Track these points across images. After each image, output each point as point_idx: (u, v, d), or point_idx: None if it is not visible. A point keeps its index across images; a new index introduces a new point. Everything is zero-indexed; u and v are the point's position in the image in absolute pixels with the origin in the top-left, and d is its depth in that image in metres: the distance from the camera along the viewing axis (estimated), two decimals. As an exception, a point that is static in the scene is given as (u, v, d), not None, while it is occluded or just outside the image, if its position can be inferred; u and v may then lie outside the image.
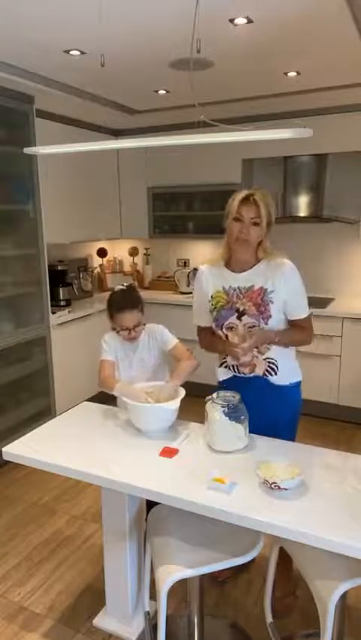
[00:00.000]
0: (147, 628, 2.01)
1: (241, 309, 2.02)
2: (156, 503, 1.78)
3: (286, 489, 1.56)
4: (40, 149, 2.43)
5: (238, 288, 2.03)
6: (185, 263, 4.94)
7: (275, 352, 2.04)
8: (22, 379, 3.58)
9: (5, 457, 1.90)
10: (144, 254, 5.12)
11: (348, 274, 4.29)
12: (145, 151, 4.47)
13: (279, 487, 1.55)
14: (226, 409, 1.85)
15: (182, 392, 2.06)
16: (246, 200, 1.96)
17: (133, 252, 5.10)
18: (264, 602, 1.96)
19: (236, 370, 2.11)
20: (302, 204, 4.13)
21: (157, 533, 1.79)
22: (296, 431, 2.19)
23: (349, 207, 4.13)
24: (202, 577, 1.72)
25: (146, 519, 1.92)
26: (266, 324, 1.99)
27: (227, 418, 1.84)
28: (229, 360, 2.11)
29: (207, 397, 1.93)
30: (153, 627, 1.91)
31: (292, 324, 2.06)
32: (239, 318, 2.02)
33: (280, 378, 2.07)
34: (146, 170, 4.62)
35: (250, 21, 2.22)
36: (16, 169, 3.38)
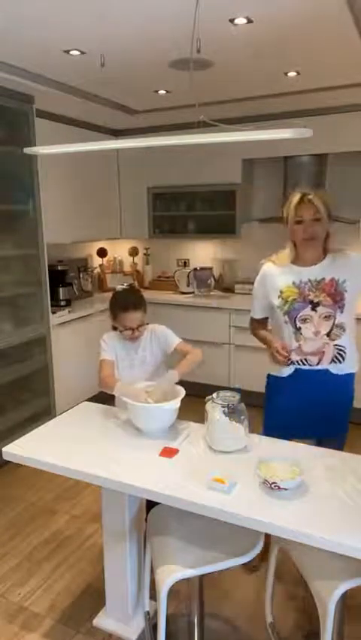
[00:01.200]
0: (147, 628, 2.01)
1: (316, 300, 2.10)
2: (156, 503, 1.78)
3: (286, 489, 1.56)
4: (40, 149, 2.43)
5: (310, 281, 2.12)
6: (185, 263, 4.94)
7: (345, 340, 2.13)
8: (22, 379, 3.58)
9: (5, 457, 1.90)
10: (144, 254, 5.12)
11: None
12: (145, 151, 4.47)
13: (279, 487, 1.55)
14: (226, 409, 1.85)
15: (182, 392, 2.06)
16: (301, 201, 2.05)
17: (133, 252, 5.10)
18: (264, 602, 1.96)
19: (302, 362, 2.16)
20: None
21: (157, 533, 1.79)
22: (349, 420, 2.29)
23: (349, 207, 4.12)
24: (202, 577, 1.72)
25: (146, 519, 1.92)
26: (341, 312, 2.10)
27: (227, 418, 1.84)
28: (293, 356, 2.16)
29: (207, 397, 1.93)
30: (153, 627, 1.92)
31: None
32: (313, 309, 2.10)
33: (344, 367, 2.16)
34: (146, 170, 4.62)
35: (250, 21, 2.22)
36: (16, 169, 3.38)
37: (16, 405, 3.54)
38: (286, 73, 3.01)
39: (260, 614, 2.06)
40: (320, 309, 2.10)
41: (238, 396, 1.90)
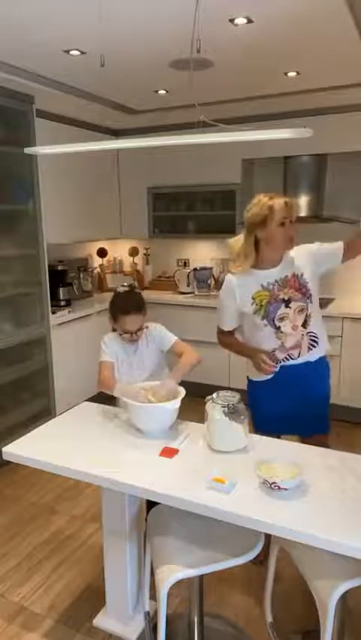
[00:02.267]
0: (147, 628, 2.01)
1: (286, 298, 2.17)
2: (156, 503, 1.78)
3: (286, 489, 1.56)
4: (40, 149, 2.43)
5: (276, 281, 2.18)
6: (185, 263, 4.94)
7: (314, 326, 2.23)
8: (22, 379, 3.58)
9: (5, 457, 1.90)
10: (144, 254, 5.12)
11: (348, 274, 4.29)
12: (145, 151, 4.47)
13: (279, 487, 1.55)
14: (226, 409, 1.85)
15: (182, 392, 2.06)
16: (286, 204, 2.11)
17: (133, 252, 5.10)
18: (264, 602, 1.96)
19: (286, 359, 2.21)
20: (302, 204, 4.12)
21: (157, 533, 1.79)
22: (330, 410, 2.37)
23: (349, 207, 4.13)
24: (202, 577, 1.72)
25: (146, 519, 1.92)
26: (311, 302, 2.19)
27: (227, 418, 1.84)
28: (277, 355, 2.21)
29: (207, 397, 1.93)
30: (153, 627, 1.91)
31: (348, 247, 2.24)
32: (287, 306, 2.17)
33: (319, 350, 2.26)
34: (146, 170, 4.62)
35: (250, 21, 2.22)
36: (16, 169, 3.38)
37: (16, 405, 3.54)
38: (286, 73, 3.01)
39: (260, 614, 2.06)
40: (293, 304, 2.17)
41: (237, 396, 1.90)
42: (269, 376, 2.22)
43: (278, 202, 2.10)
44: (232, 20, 2.21)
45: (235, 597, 2.25)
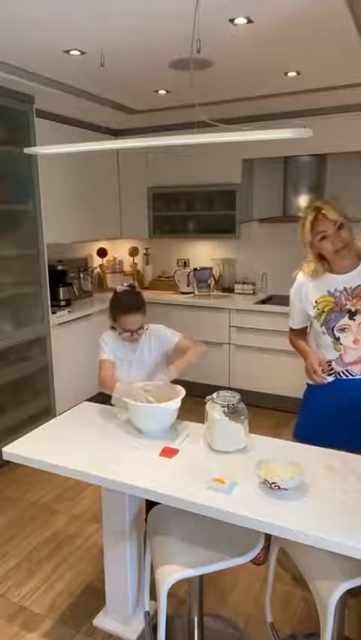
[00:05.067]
0: (147, 628, 2.01)
1: (353, 309, 2.05)
2: (156, 503, 1.78)
3: (286, 489, 1.56)
4: (41, 149, 2.43)
5: (345, 289, 2.07)
6: (185, 263, 4.94)
7: None
8: (22, 379, 3.58)
9: (5, 457, 1.90)
10: (144, 254, 5.12)
11: None
12: (145, 151, 4.47)
13: (279, 487, 1.55)
14: (226, 409, 1.85)
15: (182, 392, 2.05)
16: (316, 218, 2.01)
17: (133, 252, 5.10)
18: (264, 602, 1.96)
19: (344, 374, 2.12)
20: (302, 204, 4.12)
21: (157, 533, 1.79)
22: None
23: (349, 207, 4.11)
24: (202, 577, 1.72)
25: (146, 519, 1.92)
26: None
27: (227, 418, 1.84)
28: (335, 366, 2.13)
29: (207, 397, 1.93)
30: (153, 627, 1.91)
31: None
32: (351, 318, 2.06)
33: None
34: (146, 170, 4.61)
35: (250, 21, 2.22)
36: (16, 169, 3.38)
37: (16, 405, 3.54)
38: (286, 73, 3.01)
39: (260, 614, 2.06)
40: (358, 317, 2.05)
41: (238, 397, 1.90)
42: (327, 381, 2.14)
43: (308, 221, 2.02)
44: (231, 20, 2.21)
45: (235, 597, 2.25)
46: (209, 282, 4.65)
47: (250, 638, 2.03)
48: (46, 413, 3.67)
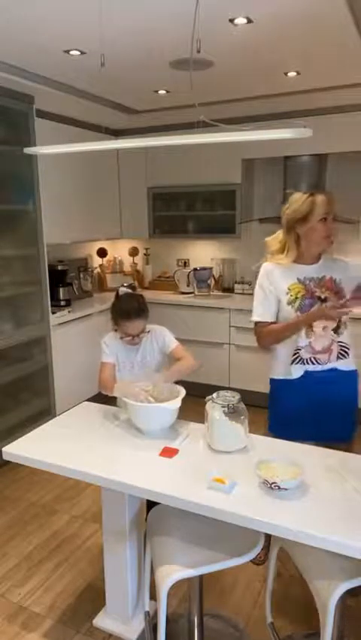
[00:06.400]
0: (147, 628, 2.01)
1: (323, 297, 2.15)
2: (156, 503, 1.78)
3: (286, 489, 1.56)
4: (40, 149, 2.43)
5: (313, 278, 2.18)
6: (185, 263, 4.94)
7: (346, 336, 2.20)
8: (22, 379, 3.58)
9: (5, 457, 1.90)
10: (144, 254, 5.12)
11: (348, 274, 4.29)
12: (145, 151, 4.47)
13: (279, 487, 1.55)
14: (226, 409, 1.85)
15: (182, 392, 2.05)
16: (328, 200, 2.11)
17: (133, 252, 5.10)
18: (264, 602, 1.96)
19: (312, 362, 2.17)
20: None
21: (157, 533, 1.79)
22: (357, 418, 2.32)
23: (349, 207, 4.12)
24: (202, 577, 1.72)
25: (146, 519, 1.92)
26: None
27: (227, 418, 1.84)
28: (303, 354, 2.17)
29: (207, 397, 1.93)
30: (153, 627, 1.91)
31: None
32: (323, 305, 2.15)
33: (348, 362, 2.22)
34: (146, 170, 4.62)
35: (250, 21, 2.22)
36: (16, 169, 3.38)
37: (16, 405, 3.54)
38: (286, 73, 3.01)
39: (260, 614, 2.06)
40: (328, 304, 2.13)
41: (238, 397, 1.90)
42: (296, 375, 2.18)
43: (320, 197, 2.10)
44: (231, 20, 2.21)
45: (235, 597, 2.25)
46: (209, 282, 4.65)
47: (250, 638, 2.03)
48: (46, 413, 3.67)
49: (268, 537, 1.75)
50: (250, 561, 2.12)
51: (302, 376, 2.19)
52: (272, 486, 1.56)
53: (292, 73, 3.01)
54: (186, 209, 4.63)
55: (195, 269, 4.65)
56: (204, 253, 4.88)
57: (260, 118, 3.88)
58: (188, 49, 2.25)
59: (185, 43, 2.28)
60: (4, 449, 1.90)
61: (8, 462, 1.95)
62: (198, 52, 2.19)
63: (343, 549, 1.36)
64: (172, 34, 2.35)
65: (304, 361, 2.17)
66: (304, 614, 2.12)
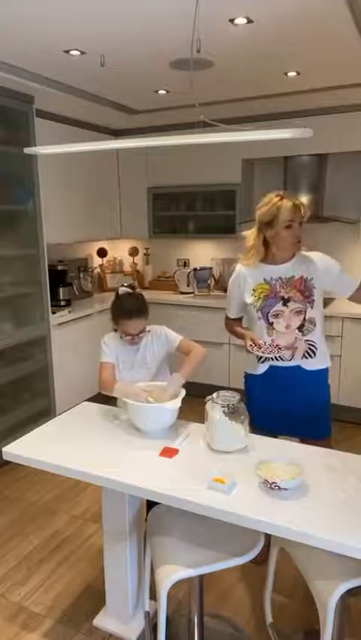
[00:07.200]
0: (147, 628, 2.01)
1: (286, 296, 2.18)
2: (156, 503, 1.78)
3: (286, 489, 1.56)
4: (41, 149, 2.44)
5: (280, 278, 2.19)
6: (185, 263, 4.94)
7: (315, 335, 2.21)
8: (22, 379, 3.58)
9: (5, 457, 1.90)
10: (144, 254, 5.12)
11: (348, 274, 4.28)
12: (145, 151, 4.47)
13: (279, 487, 1.55)
14: (226, 409, 1.85)
15: (182, 392, 2.06)
16: (294, 206, 2.11)
17: (133, 252, 5.10)
18: (264, 601, 1.96)
19: (276, 358, 2.20)
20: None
21: (157, 533, 1.79)
22: (331, 414, 2.33)
23: (349, 207, 4.13)
24: (202, 577, 1.72)
25: (146, 519, 1.92)
26: (312, 307, 2.18)
27: (227, 418, 1.84)
28: (268, 348, 2.21)
29: (207, 397, 1.93)
30: (153, 627, 1.91)
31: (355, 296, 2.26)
32: (285, 304, 2.18)
33: (315, 362, 2.23)
34: (146, 170, 4.61)
35: (250, 21, 2.22)
36: (16, 169, 3.38)
37: (16, 405, 3.54)
38: (286, 73, 3.01)
39: (260, 614, 2.06)
40: (290, 304, 2.17)
41: (237, 397, 1.90)
42: (260, 370, 2.25)
43: (286, 204, 2.09)
44: (232, 20, 2.21)
45: (235, 597, 2.25)
46: (209, 282, 4.65)
47: (250, 638, 2.03)
48: (46, 413, 3.67)
49: (268, 537, 1.75)
50: (250, 561, 2.13)
51: (267, 371, 2.24)
52: (272, 486, 1.56)
53: (292, 73, 3.01)
54: (186, 209, 4.63)
55: (195, 269, 4.65)
56: (204, 253, 4.88)
57: (260, 118, 3.88)
58: (188, 49, 2.25)
59: (185, 43, 2.28)
60: (4, 449, 1.90)
61: (8, 462, 1.95)
62: (198, 52, 2.19)
63: (343, 549, 1.37)
64: (172, 34, 2.35)
65: (269, 349, 2.21)
66: (304, 614, 2.12)
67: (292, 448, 1.92)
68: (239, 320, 2.42)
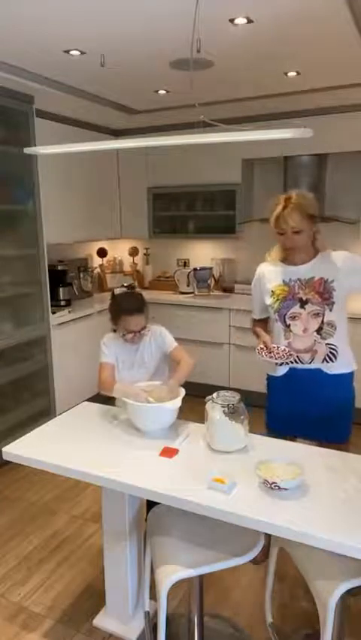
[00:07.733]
0: (147, 628, 2.01)
1: (305, 298, 2.13)
2: (156, 503, 1.78)
3: (286, 489, 1.56)
4: (41, 149, 2.43)
5: (299, 279, 2.15)
6: (185, 263, 4.94)
7: (336, 338, 2.14)
8: (22, 379, 3.58)
9: (5, 457, 1.90)
10: (144, 254, 5.12)
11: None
12: (145, 151, 4.47)
13: (279, 487, 1.55)
14: (226, 409, 1.85)
15: (182, 392, 2.06)
16: (281, 215, 2.07)
17: (133, 252, 5.10)
18: (264, 602, 1.96)
19: (296, 361, 2.17)
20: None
21: (157, 533, 1.79)
22: (352, 420, 2.28)
23: (349, 207, 4.13)
24: (202, 577, 1.72)
25: (146, 519, 1.92)
26: (331, 310, 2.11)
27: (227, 418, 1.84)
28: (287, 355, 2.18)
29: (207, 397, 1.93)
30: (153, 627, 1.91)
31: None
32: (302, 307, 2.14)
33: (337, 366, 2.16)
34: (146, 170, 4.62)
35: (250, 21, 2.22)
36: (16, 169, 3.38)
37: (16, 405, 3.54)
38: (286, 73, 3.01)
39: (260, 614, 2.06)
40: (308, 306, 2.13)
41: (238, 397, 1.90)
42: (280, 372, 2.22)
43: (277, 212, 2.07)
44: (232, 20, 2.21)
45: (235, 597, 2.25)
46: (209, 282, 4.65)
47: (250, 638, 2.03)
48: (46, 413, 3.67)
49: (268, 537, 1.75)
50: (250, 561, 2.12)
51: (287, 373, 2.22)
52: (272, 486, 1.56)
53: (292, 73, 3.01)
54: (186, 209, 4.63)
55: (195, 269, 4.65)
56: (204, 253, 4.88)
57: (260, 118, 3.88)
58: (188, 49, 2.25)
59: (185, 43, 2.28)
60: (4, 449, 1.90)
61: (8, 462, 1.95)
62: (198, 52, 2.19)
63: (343, 549, 1.36)
64: (172, 34, 2.35)
65: (289, 362, 2.17)
66: (304, 614, 2.12)
67: (293, 448, 1.92)
68: (264, 321, 2.35)
